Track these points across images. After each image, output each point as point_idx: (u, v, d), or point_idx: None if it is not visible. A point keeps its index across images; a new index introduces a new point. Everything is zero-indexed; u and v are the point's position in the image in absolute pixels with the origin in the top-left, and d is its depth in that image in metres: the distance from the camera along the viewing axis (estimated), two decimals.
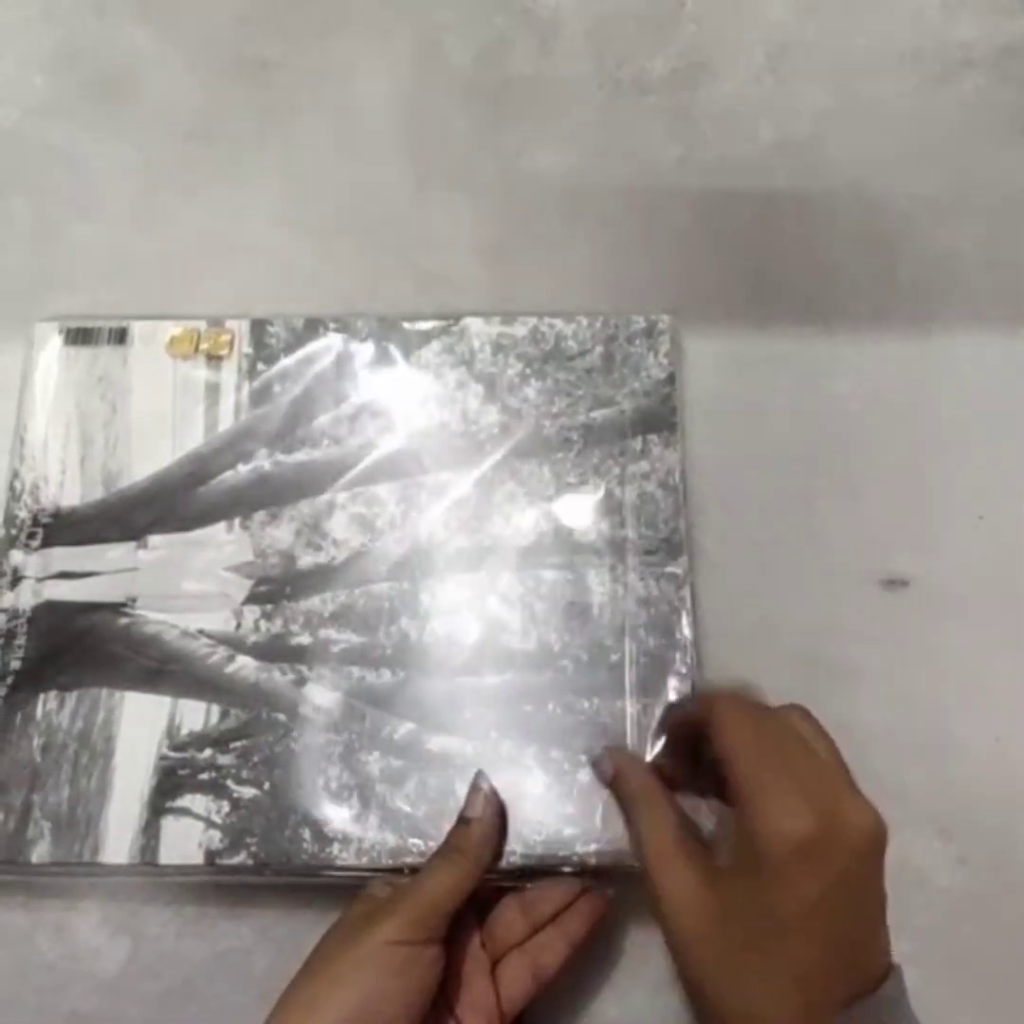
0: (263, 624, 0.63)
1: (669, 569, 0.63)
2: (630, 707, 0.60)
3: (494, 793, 0.57)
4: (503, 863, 0.57)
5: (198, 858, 0.58)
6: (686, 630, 0.61)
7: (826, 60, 0.75)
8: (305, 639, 0.62)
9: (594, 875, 0.57)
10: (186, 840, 0.58)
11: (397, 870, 0.57)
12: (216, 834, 0.58)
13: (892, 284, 0.72)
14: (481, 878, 0.54)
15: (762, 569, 0.65)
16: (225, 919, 0.60)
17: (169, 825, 0.59)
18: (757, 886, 0.43)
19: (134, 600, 0.63)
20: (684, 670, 0.60)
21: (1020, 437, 0.69)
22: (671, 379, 0.67)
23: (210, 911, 0.60)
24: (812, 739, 0.47)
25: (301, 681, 0.61)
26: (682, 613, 0.62)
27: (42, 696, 0.61)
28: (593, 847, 0.57)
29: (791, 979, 0.42)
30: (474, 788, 0.57)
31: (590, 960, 0.57)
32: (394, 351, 0.69)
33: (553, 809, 0.58)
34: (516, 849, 0.57)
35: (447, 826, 0.56)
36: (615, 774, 0.54)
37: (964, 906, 0.60)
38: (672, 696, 0.60)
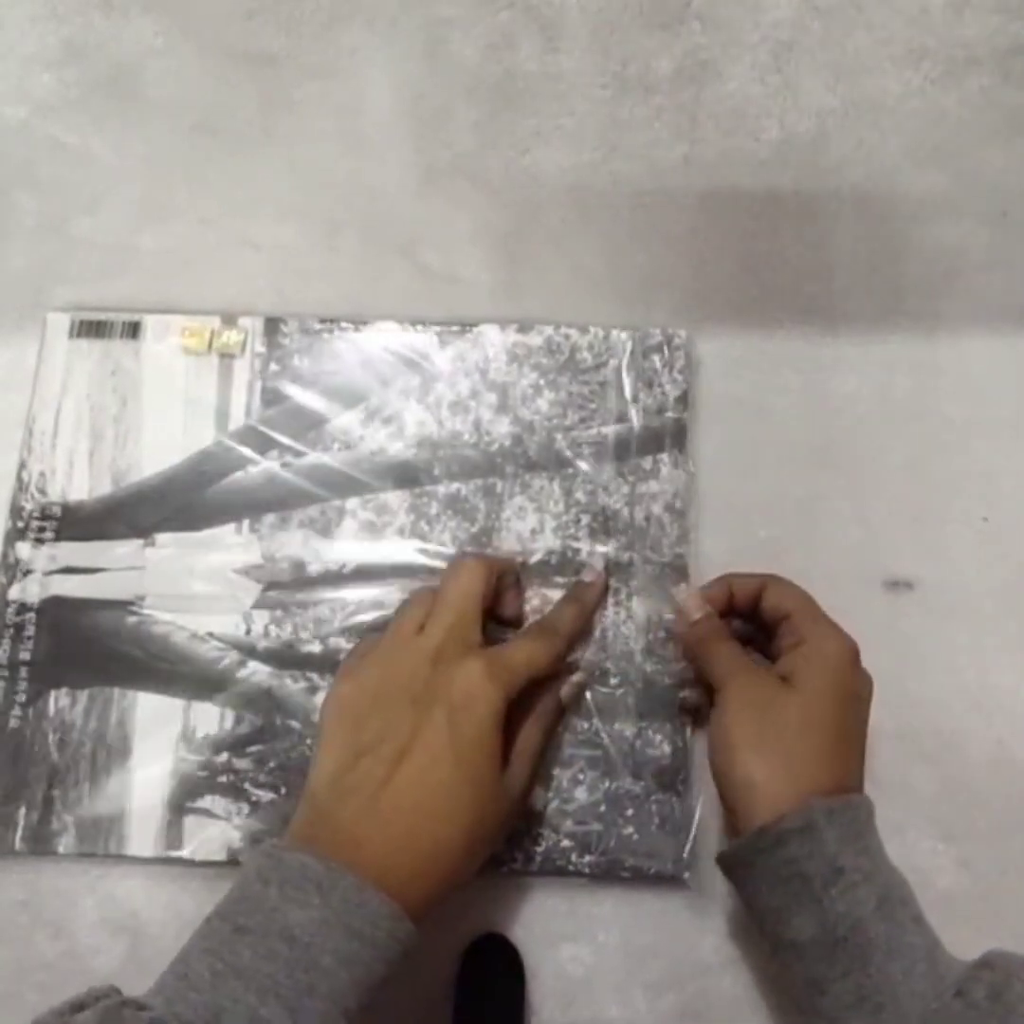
0: (273, 630, 0.63)
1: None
2: (627, 730, 0.62)
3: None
4: (503, 869, 0.60)
5: (221, 856, 0.60)
6: (683, 659, 0.63)
7: (831, 59, 0.73)
8: (315, 647, 0.63)
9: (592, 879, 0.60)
10: (209, 839, 0.60)
11: None
12: (237, 834, 0.60)
13: (897, 284, 0.72)
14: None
15: (766, 569, 0.65)
16: None
17: (191, 823, 0.61)
18: (814, 687, 0.54)
19: (142, 599, 0.64)
20: (679, 698, 0.62)
21: None
22: (684, 397, 0.67)
23: (209, 912, 0.60)
24: None
25: (313, 689, 0.63)
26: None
27: (54, 693, 0.62)
28: (587, 858, 0.60)
29: (797, 763, 0.53)
30: None
31: (590, 960, 0.60)
32: (408, 356, 0.68)
33: (553, 823, 0.61)
34: (516, 858, 0.60)
35: None
36: (691, 623, 0.60)
37: (966, 908, 0.60)
38: (667, 722, 0.62)
